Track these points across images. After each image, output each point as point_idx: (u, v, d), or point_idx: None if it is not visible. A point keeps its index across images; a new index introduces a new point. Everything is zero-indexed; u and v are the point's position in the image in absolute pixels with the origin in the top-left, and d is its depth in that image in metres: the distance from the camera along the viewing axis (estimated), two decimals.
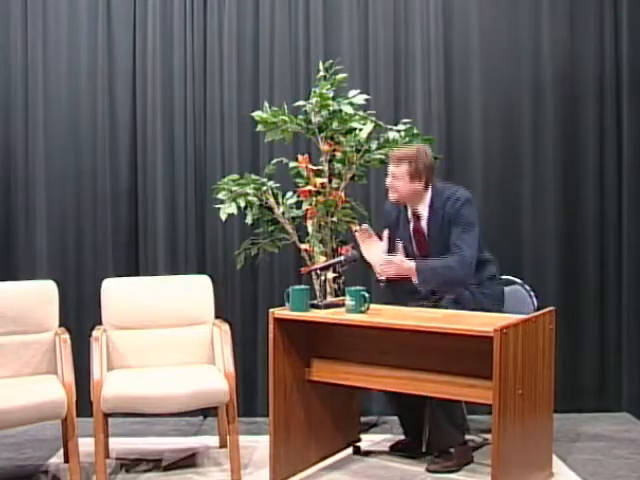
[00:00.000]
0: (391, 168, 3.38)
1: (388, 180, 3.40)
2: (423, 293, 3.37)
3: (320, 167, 3.78)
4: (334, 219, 3.78)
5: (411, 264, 3.26)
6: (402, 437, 3.65)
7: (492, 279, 3.43)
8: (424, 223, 3.40)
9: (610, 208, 4.26)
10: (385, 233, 3.35)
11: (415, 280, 3.27)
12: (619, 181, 4.25)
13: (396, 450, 3.57)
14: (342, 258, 3.27)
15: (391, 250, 3.30)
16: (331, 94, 3.69)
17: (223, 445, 3.64)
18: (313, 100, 3.69)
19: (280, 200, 3.83)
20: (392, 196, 3.41)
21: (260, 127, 3.77)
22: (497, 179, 4.25)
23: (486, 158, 4.23)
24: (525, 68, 4.25)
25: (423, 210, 3.40)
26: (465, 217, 3.30)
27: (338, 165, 3.76)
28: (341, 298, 3.26)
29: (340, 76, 3.73)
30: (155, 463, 3.48)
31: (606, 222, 4.26)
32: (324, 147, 3.74)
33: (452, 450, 3.32)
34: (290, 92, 4.20)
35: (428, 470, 3.28)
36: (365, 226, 3.35)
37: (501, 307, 3.42)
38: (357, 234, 3.35)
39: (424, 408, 3.44)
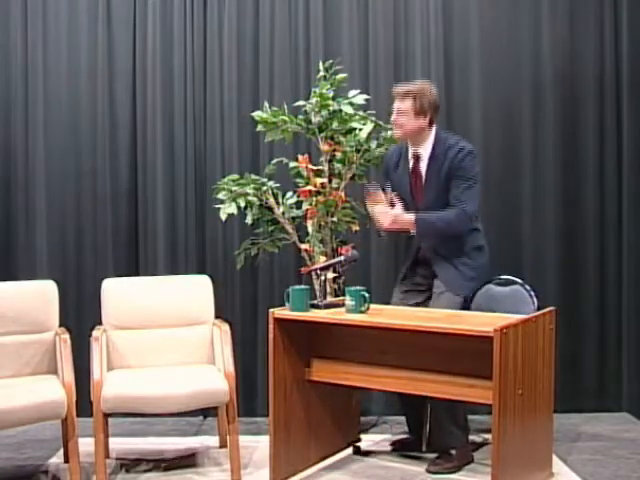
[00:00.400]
0: (396, 104, 3.38)
1: (393, 117, 3.40)
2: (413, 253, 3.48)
3: (320, 167, 3.78)
4: (334, 219, 3.78)
5: (410, 216, 3.31)
6: (404, 436, 3.66)
7: (479, 249, 3.43)
8: (423, 165, 3.39)
9: (610, 208, 4.26)
10: (388, 190, 3.40)
11: (412, 232, 3.34)
12: (619, 181, 4.25)
13: (397, 447, 3.58)
14: (342, 258, 3.27)
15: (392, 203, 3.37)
16: (331, 94, 3.69)
17: (223, 445, 3.64)
18: (313, 100, 3.69)
19: (280, 200, 3.83)
20: (397, 133, 3.41)
21: (260, 127, 3.77)
22: (497, 179, 4.25)
23: (486, 158, 4.23)
24: (525, 68, 4.25)
25: (424, 151, 3.39)
26: (468, 170, 3.31)
27: (338, 165, 3.77)
28: (341, 298, 3.26)
29: (340, 76, 3.73)
30: (155, 463, 3.48)
31: (606, 222, 4.26)
32: (324, 147, 3.74)
33: (453, 451, 3.32)
34: (290, 92, 4.20)
35: (428, 471, 3.28)
36: (373, 187, 3.39)
37: (483, 277, 3.43)
38: (367, 195, 3.38)
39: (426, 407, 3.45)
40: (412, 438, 3.59)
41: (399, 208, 3.32)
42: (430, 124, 3.38)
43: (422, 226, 3.32)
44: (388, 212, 3.32)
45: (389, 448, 3.59)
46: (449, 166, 3.31)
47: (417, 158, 3.41)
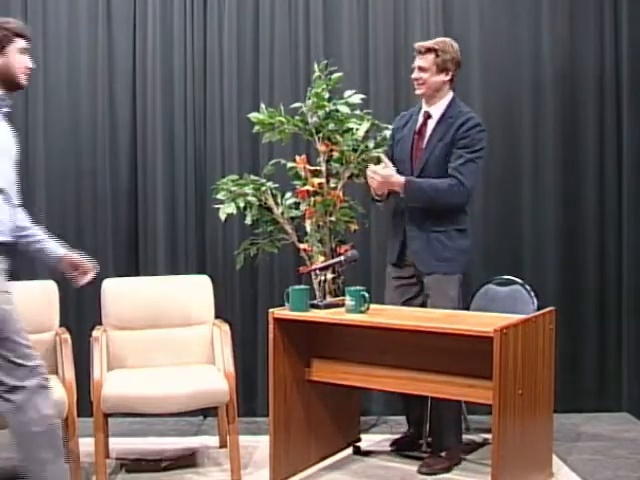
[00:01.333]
0: (417, 61, 3.36)
1: (414, 74, 3.38)
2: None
3: (318, 167, 3.77)
4: (332, 219, 3.77)
5: (400, 178, 3.28)
6: (403, 435, 3.66)
7: (461, 232, 3.35)
8: (431, 124, 3.36)
9: (610, 208, 4.25)
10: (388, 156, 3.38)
11: (402, 194, 3.31)
12: (619, 181, 4.25)
13: (397, 447, 3.57)
14: (342, 258, 3.26)
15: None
16: (327, 95, 3.67)
17: (223, 445, 3.64)
18: (309, 101, 3.68)
19: (279, 200, 3.82)
20: (419, 90, 3.38)
21: (257, 128, 3.77)
22: (497, 179, 4.25)
23: (486, 158, 4.19)
24: (525, 68, 4.25)
25: (436, 111, 3.37)
26: (473, 142, 3.28)
27: (336, 165, 3.76)
28: (341, 298, 3.25)
29: (336, 76, 3.72)
30: (155, 463, 3.48)
31: (606, 222, 4.26)
32: (321, 147, 3.73)
33: (443, 453, 3.31)
34: (290, 92, 4.20)
35: (419, 472, 3.26)
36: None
37: (462, 261, 3.35)
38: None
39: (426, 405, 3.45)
40: (410, 433, 3.57)
41: (391, 169, 3.30)
42: (451, 81, 3.36)
43: (412, 189, 3.27)
44: (378, 171, 3.29)
45: (389, 448, 3.59)
46: (455, 132, 3.28)
47: (427, 117, 3.39)
